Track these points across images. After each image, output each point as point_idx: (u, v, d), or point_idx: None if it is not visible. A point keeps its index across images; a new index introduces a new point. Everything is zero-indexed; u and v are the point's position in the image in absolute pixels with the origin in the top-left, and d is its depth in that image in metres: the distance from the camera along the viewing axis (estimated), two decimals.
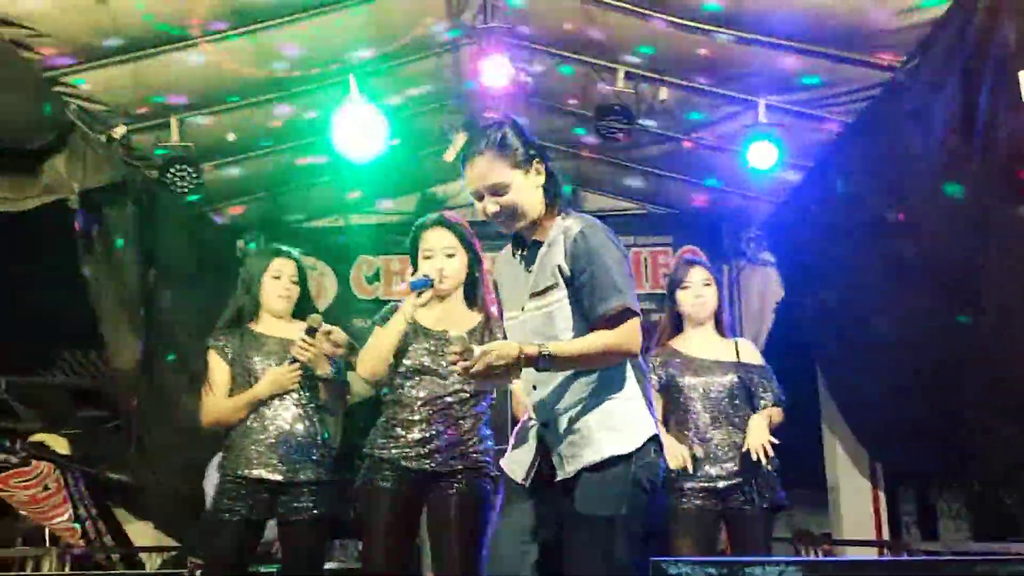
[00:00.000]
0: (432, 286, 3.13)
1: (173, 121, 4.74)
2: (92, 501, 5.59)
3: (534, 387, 2.56)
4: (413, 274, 3.22)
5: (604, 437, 2.44)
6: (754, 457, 3.51)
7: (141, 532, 5.88)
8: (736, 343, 3.84)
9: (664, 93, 4.87)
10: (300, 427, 3.47)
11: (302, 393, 3.51)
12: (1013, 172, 3.49)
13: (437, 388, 3.19)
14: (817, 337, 5.82)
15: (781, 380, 3.93)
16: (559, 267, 2.48)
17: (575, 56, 4.99)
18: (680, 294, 3.82)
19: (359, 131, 4.74)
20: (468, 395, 3.20)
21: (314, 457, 3.48)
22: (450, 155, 5.76)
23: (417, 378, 3.21)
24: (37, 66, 4.03)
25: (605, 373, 2.50)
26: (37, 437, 5.61)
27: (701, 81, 4.85)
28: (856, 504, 6.04)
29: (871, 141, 4.54)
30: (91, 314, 4.88)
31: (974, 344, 4.02)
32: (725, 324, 3.87)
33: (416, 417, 3.17)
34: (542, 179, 2.56)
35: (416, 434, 3.15)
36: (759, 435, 3.54)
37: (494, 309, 3.27)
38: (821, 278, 5.50)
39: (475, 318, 3.30)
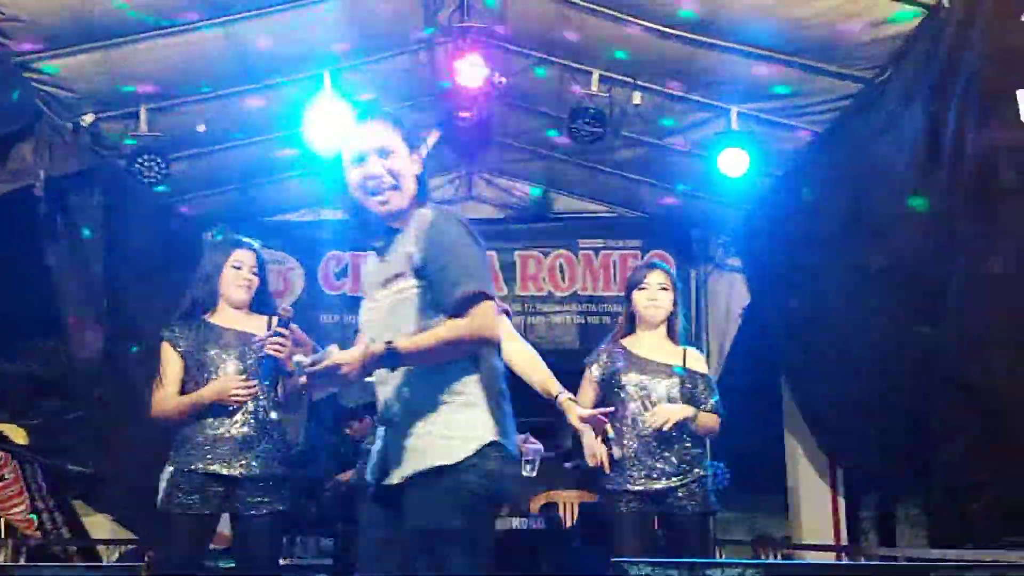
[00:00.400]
0: None
1: (142, 110, 4.69)
2: (50, 493, 5.53)
3: (382, 384, 2.48)
4: None
5: (432, 445, 2.36)
6: (651, 422, 3.57)
7: (100, 525, 5.81)
8: (684, 350, 3.83)
9: (637, 98, 4.90)
10: (254, 422, 3.41)
11: (262, 389, 3.46)
12: (979, 186, 3.55)
13: None
14: (782, 343, 5.87)
15: (745, 384, 3.98)
16: (411, 256, 2.42)
17: (550, 58, 5.01)
18: (636, 295, 3.84)
19: (331, 128, 4.72)
20: None
21: (272, 454, 3.43)
22: (422, 152, 5.75)
23: None
24: (6, 52, 3.97)
25: (444, 375, 2.40)
26: None
27: (674, 87, 4.88)
28: (816, 509, 6.10)
29: (841, 151, 4.59)
30: (54, 303, 4.82)
31: (938, 354, 4.08)
32: (677, 331, 3.85)
33: None
34: (419, 168, 2.55)
35: None
36: (669, 411, 3.59)
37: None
38: (787, 285, 5.55)
39: None
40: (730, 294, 6.40)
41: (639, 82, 4.88)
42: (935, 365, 4.14)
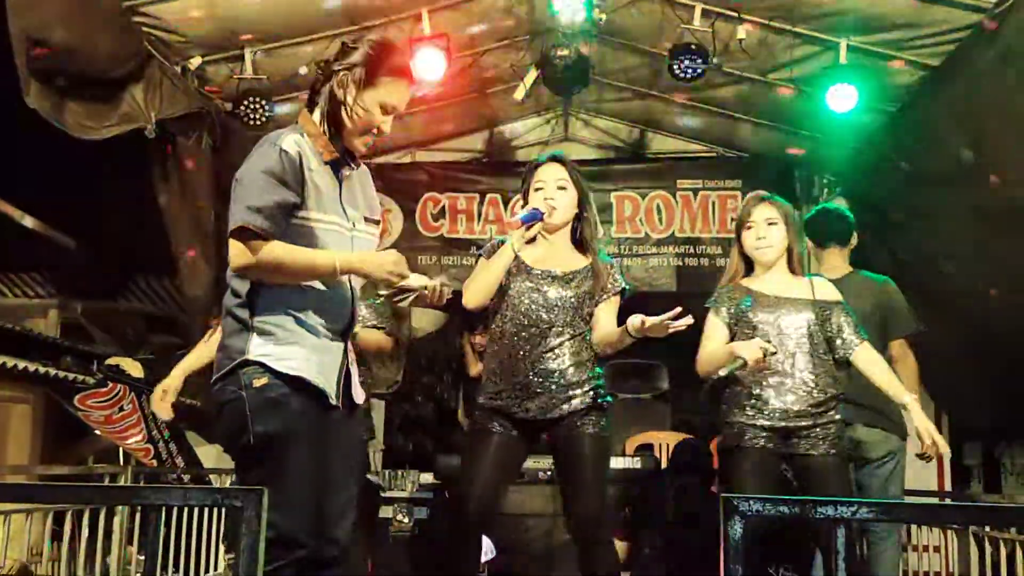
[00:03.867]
0: (542, 219, 3.07)
1: (247, 53, 4.77)
2: (165, 423, 5.78)
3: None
4: (523, 207, 3.15)
5: None
6: (928, 441, 3.22)
7: (209, 454, 6.06)
8: (811, 281, 3.50)
9: (742, 32, 4.74)
10: None
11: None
12: None
13: (537, 329, 3.12)
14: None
15: None
16: (379, 209, 2.71)
17: None
18: (744, 235, 3.51)
19: (425, 67, 4.74)
20: (570, 335, 3.13)
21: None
22: (519, 93, 5.72)
23: (517, 318, 3.14)
24: None
25: None
26: (113, 360, 5.80)
27: (781, 20, 4.71)
28: None
29: (958, 86, 4.38)
30: (165, 242, 4.98)
31: None
32: (797, 262, 3.50)
33: (518, 361, 3.10)
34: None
35: (520, 377, 3.09)
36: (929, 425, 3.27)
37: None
38: (896, 226, 5.36)
39: (580, 261, 3.22)
40: None
41: (744, 15, 4.72)
42: None
